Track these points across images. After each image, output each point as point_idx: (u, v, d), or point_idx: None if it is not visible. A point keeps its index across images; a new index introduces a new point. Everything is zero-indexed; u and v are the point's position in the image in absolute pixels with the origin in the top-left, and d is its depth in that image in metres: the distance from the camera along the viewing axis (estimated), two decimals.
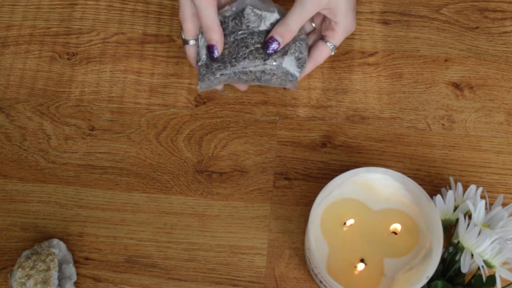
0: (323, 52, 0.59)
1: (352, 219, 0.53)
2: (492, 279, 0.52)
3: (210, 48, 0.55)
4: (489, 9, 0.67)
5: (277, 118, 0.63)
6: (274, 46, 0.54)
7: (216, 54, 0.55)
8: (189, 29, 0.57)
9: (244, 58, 0.55)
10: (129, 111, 0.63)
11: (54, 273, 0.53)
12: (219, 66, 0.56)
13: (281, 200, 0.60)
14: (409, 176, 0.52)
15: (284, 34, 0.55)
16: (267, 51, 0.55)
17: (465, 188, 0.56)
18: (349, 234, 0.53)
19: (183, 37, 0.58)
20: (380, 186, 0.54)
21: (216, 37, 0.55)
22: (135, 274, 0.57)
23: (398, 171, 0.52)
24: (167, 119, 0.63)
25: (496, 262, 0.50)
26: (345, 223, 0.54)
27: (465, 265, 0.49)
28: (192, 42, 0.57)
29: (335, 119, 0.63)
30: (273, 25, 0.55)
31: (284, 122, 0.63)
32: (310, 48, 0.59)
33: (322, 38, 0.59)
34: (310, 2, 0.54)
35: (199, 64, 0.57)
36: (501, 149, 0.62)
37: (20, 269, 0.53)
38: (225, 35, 0.56)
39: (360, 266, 0.52)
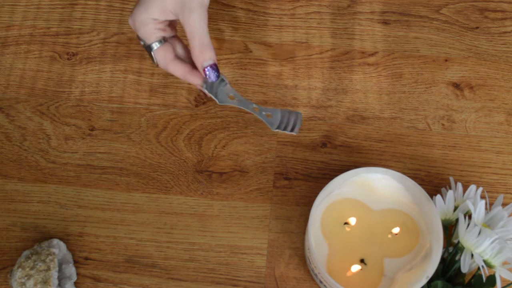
0: None
1: (354, 218, 0.53)
2: (492, 279, 0.52)
3: (213, 67, 0.51)
4: (489, 9, 0.67)
5: None
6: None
7: (218, 75, 0.52)
8: (152, 32, 0.51)
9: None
10: (129, 111, 0.63)
11: (54, 273, 0.53)
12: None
13: (281, 200, 0.60)
14: (409, 176, 0.52)
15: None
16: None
17: (465, 188, 0.56)
18: (349, 234, 0.53)
19: (145, 44, 0.52)
20: (380, 186, 0.54)
21: (215, 55, 0.51)
22: (135, 274, 0.57)
23: (398, 171, 0.52)
24: (167, 119, 0.63)
25: (496, 262, 0.50)
26: (345, 223, 0.54)
27: (465, 265, 0.49)
28: (157, 44, 0.52)
29: (335, 119, 0.63)
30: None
31: None
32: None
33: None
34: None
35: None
36: (501, 149, 0.62)
37: (20, 269, 0.53)
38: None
39: (354, 268, 0.52)
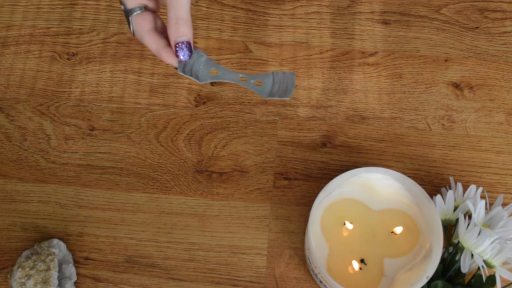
0: None
1: (351, 225, 0.53)
2: (492, 279, 0.52)
3: (185, 45, 0.46)
4: (489, 9, 0.67)
5: (277, 118, 0.63)
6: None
7: (190, 54, 0.47)
8: None
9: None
10: (129, 111, 0.63)
11: (54, 273, 0.53)
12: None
13: (281, 200, 0.60)
14: (409, 176, 0.52)
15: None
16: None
17: (465, 188, 0.56)
18: (349, 234, 0.53)
19: (125, 8, 0.48)
20: (380, 186, 0.54)
21: (191, 32, 0.47)
22: (135, 274, 0.57)
23: (398, 171, 0.52)
24: (167, 119, 0.63)
25: (496, 262, 0.50)
26: (344, 224, 0.54)
27: (465, 265, 0.49)
28: (137, 10, 0.48)
29: (335, 119, 0.63)
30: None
31: (284, 122, 0.63)
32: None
33: None
34: None
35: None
36: (501, 149, 0.62)
37: (20, 269, 0.53)
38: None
39: (355, 265, 0.52)
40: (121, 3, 0.49)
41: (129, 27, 0.49)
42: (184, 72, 0.48)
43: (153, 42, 0.48)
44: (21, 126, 0.63)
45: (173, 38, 0.46)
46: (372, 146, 0.62)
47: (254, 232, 0.59)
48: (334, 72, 0.65)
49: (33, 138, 0.62)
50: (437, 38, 0.66)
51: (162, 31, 0.49)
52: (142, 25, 0.48)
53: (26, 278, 0.53)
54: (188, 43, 0.47)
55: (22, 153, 0.62)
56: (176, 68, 0.48)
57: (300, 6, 0.68)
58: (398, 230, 0.53)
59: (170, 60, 0.48)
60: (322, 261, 0.52)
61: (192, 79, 0.49)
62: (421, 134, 0.62)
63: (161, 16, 0.50)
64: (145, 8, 0.48)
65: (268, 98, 0.49)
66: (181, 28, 0.46)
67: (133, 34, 0.49)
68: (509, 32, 0.66)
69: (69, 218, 0.59)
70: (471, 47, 0.66)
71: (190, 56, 0.47)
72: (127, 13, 0.48)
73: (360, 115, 0.63)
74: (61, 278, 0.56)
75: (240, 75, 0.49)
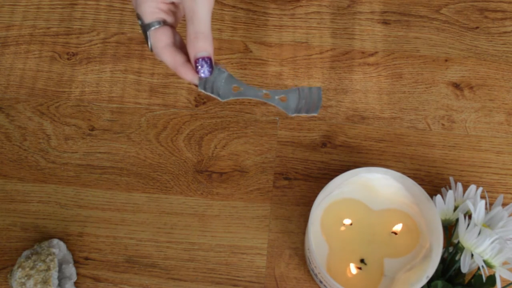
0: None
1: (349, 219, 0.53)
2: (492, 279, 0.52)
3: (206, 61, 0.45)
4: (489, 9, 0.67)
5: (277, 118, 0.63)
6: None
7: (211, 70, 0.45)
8: (153, 11, 0.46)
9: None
10: (129, 111, 0.63)
11: (54, 273, 0.53)
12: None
13: (281, 200, 0.60)
14: (409, 176, 0.52)
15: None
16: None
17: (465, 188, 0.56)
18: (349, 234, 0.53)
19: (143, 23, 0.46)
20: (380, 186, 0.54)
21: (211, 48, 0.45)
22: (135, 274, 0.57)
23: (398, 171, 0.52)
24: (167, 119, 0.63)
25: (496, 262, 0.50)
26: (343, 224, 0.54)
27: (465, 265, 0.49)
28: (155, 24, 0.46)
29: (335, 119, 0.63)
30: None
31: (284, 122, 0.63)
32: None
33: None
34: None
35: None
36: (501, 149, 0.62)
37: (20, 269, 0.53)
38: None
39: (353, 269, 0.52)
40: (138, 18, 0.47)
41: (147, 43, 0.47)
42: (205, 89, 0.46)
43: (171, 58, 0.46)
44: (21, 126, 0.63)
45: (192, 53, 0.44)
46: (372, 146, 0.62)
47: (254, 232, 0.59)
48: (334, 72, 0.65)
49: (33, 138, 0.62)
50: (437, 38, 0.66)
51: (181, 47, 0.48)
52: (161, 40, 0.46)
53: (26, 278, 0.53)
54: (209, 58, 0.44)
55: (22, 153, 0.62)
56: (196, 85, 0.46)
57: (300, 6, 0.68)
58: (398, 227, 0.53)
59: (190, 77, 0.46)
60: (322, 261, 0.52)
61: (213, 96, 0.46)
62: (421, 134, 0.62)
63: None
64: (163, 23, 0.47)
65: (295, 115, 0.46)
66: (201, 43, 0.44)
67: (151, 50, 0.47)
68: (509, 32, 0.66)
69: (69, 218, 0.59)
70: (471, 47, 0.66)
71: (210, 73, 0.45)
72: (145, 27, 0.47)
73: (360, 115, 0.63)
74: (61, 278, 0.56)
75: (264, 91, 0.46)
